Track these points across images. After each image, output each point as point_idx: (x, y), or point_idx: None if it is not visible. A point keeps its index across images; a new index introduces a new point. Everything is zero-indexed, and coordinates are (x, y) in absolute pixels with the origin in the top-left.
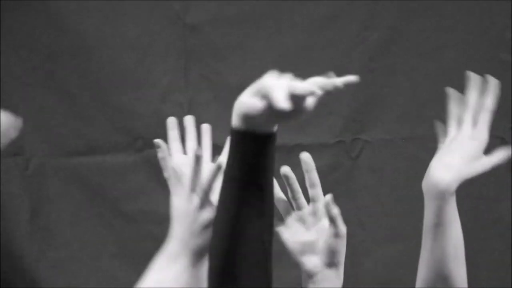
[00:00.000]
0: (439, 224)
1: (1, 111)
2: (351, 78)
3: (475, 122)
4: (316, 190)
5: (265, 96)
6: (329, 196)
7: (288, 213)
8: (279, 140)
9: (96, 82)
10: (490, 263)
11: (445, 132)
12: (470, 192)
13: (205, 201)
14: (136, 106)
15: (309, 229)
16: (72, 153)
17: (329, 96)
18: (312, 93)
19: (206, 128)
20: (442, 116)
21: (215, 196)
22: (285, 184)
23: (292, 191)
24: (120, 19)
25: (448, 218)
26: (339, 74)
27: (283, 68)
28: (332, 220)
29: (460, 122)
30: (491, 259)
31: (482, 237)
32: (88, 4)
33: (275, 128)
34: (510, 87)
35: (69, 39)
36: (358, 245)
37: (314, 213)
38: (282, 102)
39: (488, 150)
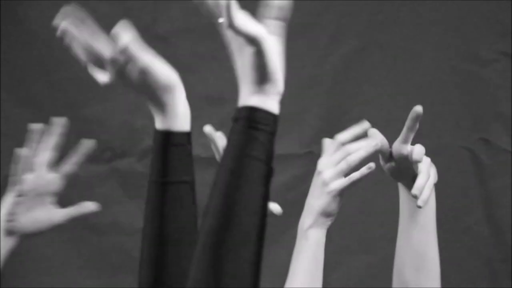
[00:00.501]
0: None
1: None
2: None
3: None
4: None
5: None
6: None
7: None
8: None
9: (64, 92)
10: (460, 274)
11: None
12: (439, 203)
13: None
14: (106, 117)
15: None
16: None
17: (298, 107)
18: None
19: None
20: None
21: None
22: None
23: None
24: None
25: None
26: (310, 84)
27: None
28: None
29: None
30: (460, 270)
31: (451, 247)
32: (57, 14)
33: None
34: (478, 99)
35: (37, 49)
36: (326, 258)
37: None
38: None
39: (457, 161)
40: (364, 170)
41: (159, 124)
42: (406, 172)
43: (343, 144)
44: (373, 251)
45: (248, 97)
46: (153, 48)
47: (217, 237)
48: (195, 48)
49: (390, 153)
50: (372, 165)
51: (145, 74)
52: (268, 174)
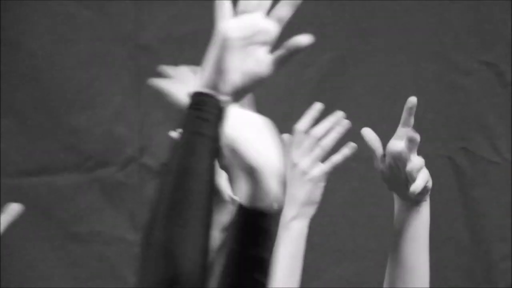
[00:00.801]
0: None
1: None
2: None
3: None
4: None
5: None
6: None
7: None
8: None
9: (47, 102)
10: (441, 284)
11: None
12: None
13: None
14: (88, 126)
15: None
16: (22, 173)
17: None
18: None
19: None
20: (392, 135)
21: None
22: None
23: None
24: (72, 39)
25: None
26: (291, 95)
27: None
28: None
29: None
30: (441, 279)
31: (432, 257)
32: (40, 24)
33: None
34: (460, 109)
35: (20, 58)
36: (307, 266)
37: None
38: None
39: (438, 170)
40: (345, 151)
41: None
42: (400, 177)
43: (306, 131)
44: (356, 260)
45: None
46: (136, 57)
47: (170, 201)
48: (178, 57)
49: (384, 155)
50: (353, 144)
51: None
52: (215, 150)
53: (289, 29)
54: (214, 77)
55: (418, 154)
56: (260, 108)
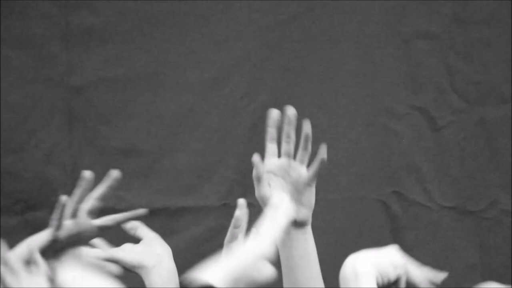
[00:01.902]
0: None
1: None
2: None
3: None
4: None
5: None
6: None
7: None
8: (162, 203)
9: None
10: None
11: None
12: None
13: None
14: (18, 168)
15: None
16: None
17: (214, 159)
18: None
19: None
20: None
21: None
22: None
23: None
24: (3, 79)
25: None
26: (225, 136)
27: (168, 131)
28: None
29: None
30: None
31: None
32: None
33: None
34: (391, 152)
35: None
36: None
37: None
38: None
39: (371, 213)
40: (322, 149)
41: None
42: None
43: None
44: None
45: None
46: (67, 99)
47: None
48: (110, 100)
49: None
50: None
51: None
52: None
53: (224, 72)
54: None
55: (352, 196)
56: (198, 151)
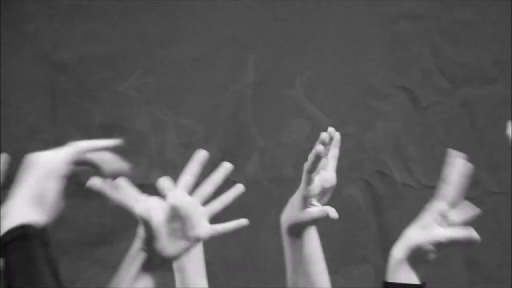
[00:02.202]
0: None
1: None
2: None
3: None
4: None
5: None
6: None
7: None
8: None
9: None
10: None
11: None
12: (334, 236)
13: None
14: (1, 144)
15: None
16: None
17: (198, 138)
18: None
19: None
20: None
21: None
22: None
23: None
24: None
25: None
26: (210, 114)
27: (152, 108)
28: None
29: None
30: None
31: (346, 278)
32: None
33: None
34: (375, 132)
35: None
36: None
37: None
38: None
39: (355, 192)
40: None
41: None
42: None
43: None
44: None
45: None
46: (51, 76)
47: None
48: (94, 76)
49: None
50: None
51: None
52: None
53: (212, 47)
54: None
55: (336, 176)
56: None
